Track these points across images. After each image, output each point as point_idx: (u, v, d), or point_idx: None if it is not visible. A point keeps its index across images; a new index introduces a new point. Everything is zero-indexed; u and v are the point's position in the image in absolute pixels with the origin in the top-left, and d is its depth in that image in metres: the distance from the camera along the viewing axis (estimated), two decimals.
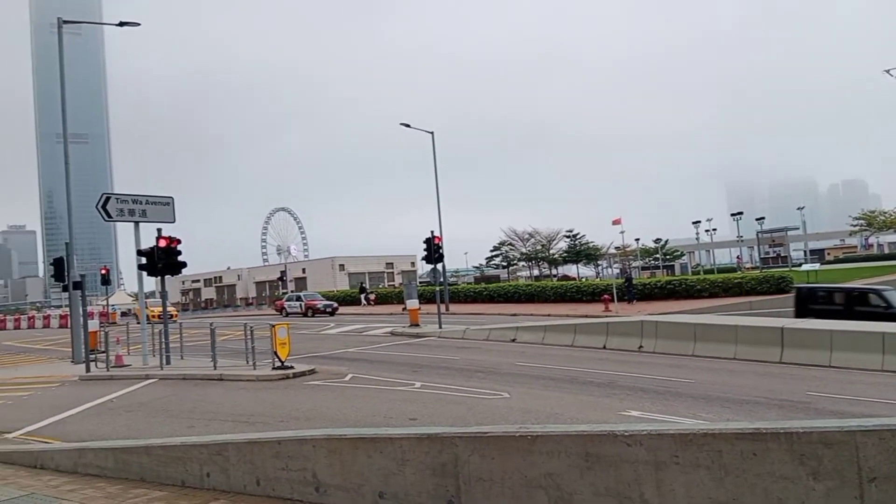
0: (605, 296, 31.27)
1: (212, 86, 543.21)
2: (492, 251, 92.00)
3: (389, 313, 37.17)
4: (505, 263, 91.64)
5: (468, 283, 64.13)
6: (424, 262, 26.41)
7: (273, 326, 15.31)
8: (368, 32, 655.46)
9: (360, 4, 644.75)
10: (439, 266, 26.67)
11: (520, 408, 10.36)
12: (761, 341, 15.23)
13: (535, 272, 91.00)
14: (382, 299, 49.74)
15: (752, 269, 67.94)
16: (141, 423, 11.05)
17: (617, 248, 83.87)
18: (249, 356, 15.80)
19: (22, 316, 58.17)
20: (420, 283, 64.85)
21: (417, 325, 25.01)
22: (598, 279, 69.96)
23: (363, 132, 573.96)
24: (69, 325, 23.63)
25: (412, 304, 26.41)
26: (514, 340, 20.77)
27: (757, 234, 72.64)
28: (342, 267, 79.91)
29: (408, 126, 42.65)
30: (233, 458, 6.26)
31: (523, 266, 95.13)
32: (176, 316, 43.58)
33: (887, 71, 32.43)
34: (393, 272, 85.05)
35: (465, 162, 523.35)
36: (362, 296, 51.21)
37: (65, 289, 21.86)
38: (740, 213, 75.10)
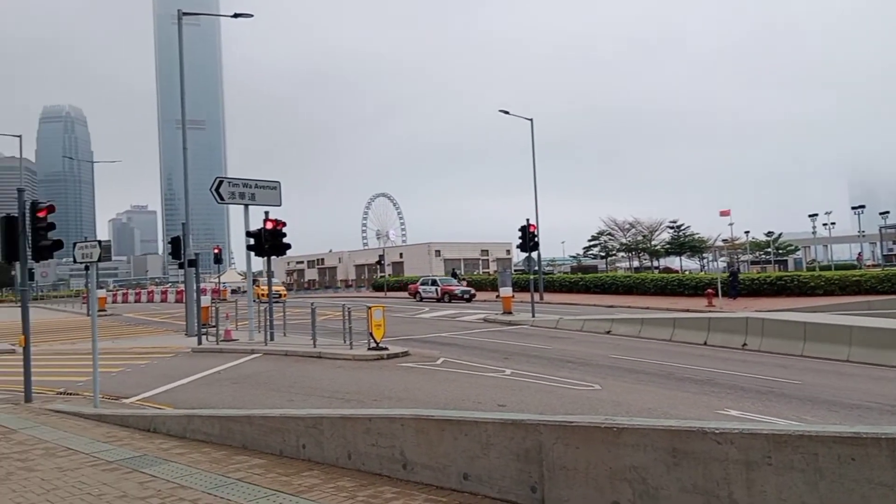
0: (709, 290, 30.06)
1: (320, 74, 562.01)
2: (590, 241, 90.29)
3: (483, 300, 37.33)
4: (603, 254, 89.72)
5: (564, 273, 63.28)
6: (519, 249, 26.29)
7: (369, 308, 15.77)
8: (470, 21, 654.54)
9: None
10: (534, 254, 26.46)
11: (611, 400, 10.19)
12: (879, 343, 14.21)
13: (635, 263, 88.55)
14: (476, 286, 49.95)
15: (874, 266, 63.30)
16: (245, 394, 11.70)
17: (724, 240, 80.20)
18: (347, 336, 16.35)
19: (142, 290, 62.74)
20: (515, 270, 64.63)
21: (510, 313, 25.01)
22: (703, 273, 67.25)
23: (464, 120, 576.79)
24: (184, 300, 25.25)
25: (505, 291, 26.42)
26: (608, 332, 20.40)
27: (880, 230, 67.52)
28: (438, 252, 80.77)
29: (507, 113, 42.40)
30: (327, 432, 6.54)
31: (622, 257, 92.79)
32: (285, 296, 45.15)
33: None
34: (488, 259, 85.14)
35: (564, 149, 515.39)
36: (454, 281, 51.58)
37: (181, 266, 23.35)
38: (862, 207, 69.94)
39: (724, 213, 49.28)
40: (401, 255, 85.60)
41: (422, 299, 39.64)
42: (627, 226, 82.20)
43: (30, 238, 11.36)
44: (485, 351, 16.45)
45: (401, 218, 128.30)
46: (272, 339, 18.07)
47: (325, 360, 15.23)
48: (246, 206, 19.18)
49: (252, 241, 18.88)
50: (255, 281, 33.29)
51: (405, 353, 15.45)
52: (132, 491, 5.80)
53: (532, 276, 27.83)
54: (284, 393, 11.61)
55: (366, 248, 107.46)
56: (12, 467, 6.77)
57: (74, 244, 11.23)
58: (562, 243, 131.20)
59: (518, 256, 76.70)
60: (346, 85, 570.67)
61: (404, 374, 13.00)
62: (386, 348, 15.43)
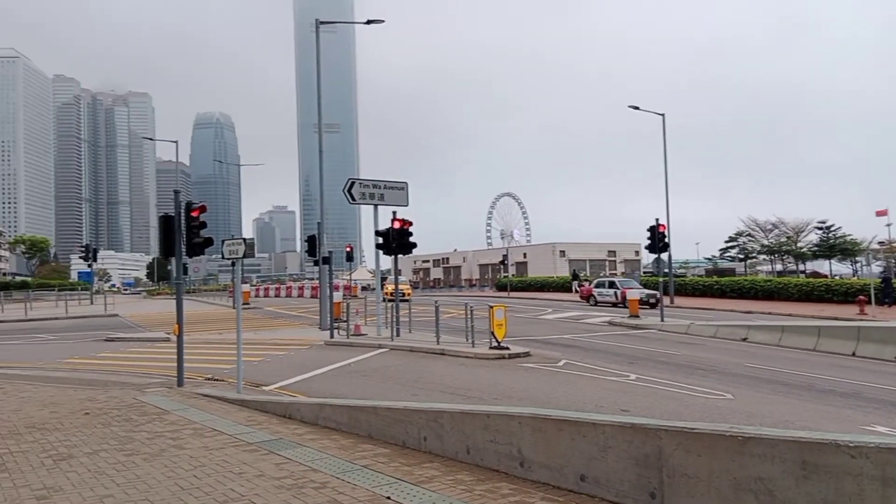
0: (861, 297, 27.66)
1: (448, 76, 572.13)
2: (727, 242, 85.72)
3: (609, 302, 36.43)
4: (742, 256, 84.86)
5: (698, 276, 60.44)
6: (648, 251, 25.47)
7: (491, 308, 15.91)
8: (598, 17, 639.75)
9: None
10: (664, 256, 25.53)
11: (743, 411, 9.69)
12: None
13: (778, 267, 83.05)
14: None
15: None
16: (373, 387, 12.21)
17: (881, 242, 73.37)
18: (469, 334, 16.59)
19: (281, 286, 66.80)
20: (644, 272, 62.55)
21: (637, 317, 24.29)
22: (856, 278, 61.91)
23: (591, 118, 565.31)
24: (318, 296, 26.64)
25: (632, 294, 25.69)
26: (745, 340, 19.33)
27: None
28: (563, 253, 79.76)
29: (637, 108, 41.06)
30: (447, 426, 6.72)
31: (764, 260, 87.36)
32: (409, 294, 46.17)
33: None
34: (615, 260, 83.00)
35: (696, 146, 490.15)
36: (574, 283, 50.80)
37: (316, 263, 24.64)
38: None
39: (881, 213, 45.32)
40: (524, 255, 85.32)
41: (597, 303, 35.38)
42: (770, 226, 77.32)
43: (184, 235, 12.47)
44: (609, 354, 16.12)
45: (525, 218, 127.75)
46: (398, 335, 18.69)
47: (447, 357, 15.55)
48: (375, 206, 19.95)
49: (380, 240, 19.62)
50: (383, 279, 34.56)
51: (526, 354, 15.45)
52: (269, 471, 6.26)
53: (661, 279, 26.86)
54: (409, 387, 11.99)
55: (490, 247, 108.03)
56: (165, 444, 7.49)
57: (223, 241, 12.16)
58: (696, 244, 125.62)
59: (647, 258, 74.19)
60: (474, 85, 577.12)
61: (525, 374, 13.02)
62: (507, 348, 15.51)
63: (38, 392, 11.66)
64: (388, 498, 5.32)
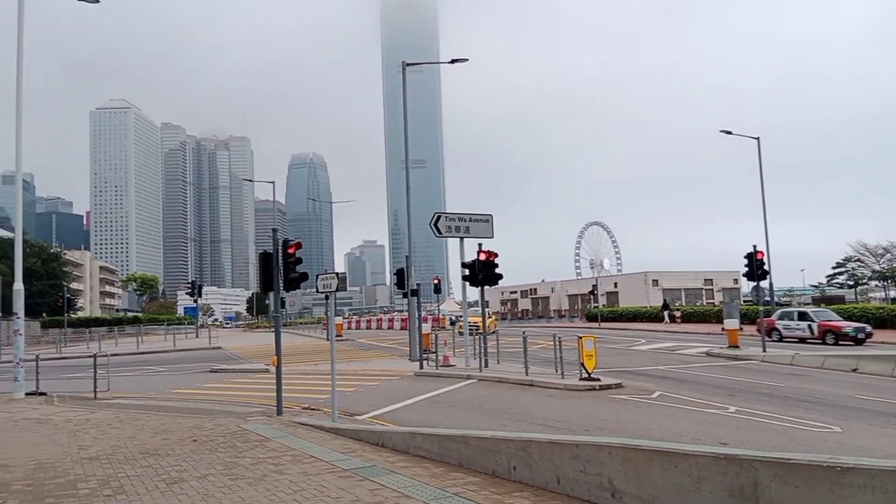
0: None
1: (532, 108, 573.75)
2: (834, 268, 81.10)
3: (706, 332, 35.14)
4: (851, 282, 79.82)
5: (804, 304, 57.27)
6: (746, 278, 24.48)
7: (580, 338, 15.74)
8: (680, 38, 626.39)
9: (671, 10, 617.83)
10: (763, 283, 24.45)
11: (853, 444, 9.16)
12: None
13: (892, 293, 77.48)
14: (699, 317, 47.17)
15: None
16: (462, 417, 12.32)
17: None
18: (558, 365, 16.45)
19: (372, 318, 68.26)
20: (744, 301, 59.88)
21: (737, 347, 23.31)
22: None
23: (679, 143, 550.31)
24: (407, 328, 27.10)
25: (731, 323, 24.71)
26: (855, 370, 18.19)
27: None
28: (655, 282, 77.51)
29: (729, 133, 39.74)
30: (535, 456, 6.75)
31: (876, 286, 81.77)
32: (493, 325, 45.93)
33: None
34: (712, 289, 79.86)
35: (795, 169, 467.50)
36: (665, 312, 49.26)
37: (404, 295, 25.14)
38: None
39: None
40: (615, 284, 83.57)
41: (782, 338, 28.96)
42: (881, 251, 72.55)
43: (282, 271, 13.12)
44: (706, 386, 15.56)
45: (615, 247, 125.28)
46: (486, 365, 18.75)
47: (536, 389, 15.46)
48: (461, 238, 20.26)
49: (467, 272, 19.85)
50: (470, 306, 34.77)
51: (618, 385, 15.15)
52: (364, 497, 6.47)
53: (761, 308, 25.70)
54: (498, 418, 12.02)
55: (579, 277, 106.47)
56: (266, 470, 7.87)
57: (317, 276, 12.73)
58: (801, 271, 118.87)
59: (747, 286, 71.05)
60: (556, 116, 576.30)
61: (617, 406, 12.78)
62: (598, 379, 15.26)
63: (151, 420, 12.46)
64: None
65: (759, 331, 30.49)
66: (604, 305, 68.39)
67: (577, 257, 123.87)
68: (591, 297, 63.34)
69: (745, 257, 23.60)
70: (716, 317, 42.73)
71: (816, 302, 64.23)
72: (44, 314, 71.87)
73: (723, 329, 28.95)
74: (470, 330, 25.97)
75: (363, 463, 8.10)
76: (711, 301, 73.47)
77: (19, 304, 17.83)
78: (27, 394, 17.13)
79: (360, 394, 16.07)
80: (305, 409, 13.97)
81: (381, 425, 11.50)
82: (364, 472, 7.53)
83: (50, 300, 71.24)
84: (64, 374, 23.46)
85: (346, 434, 10.32)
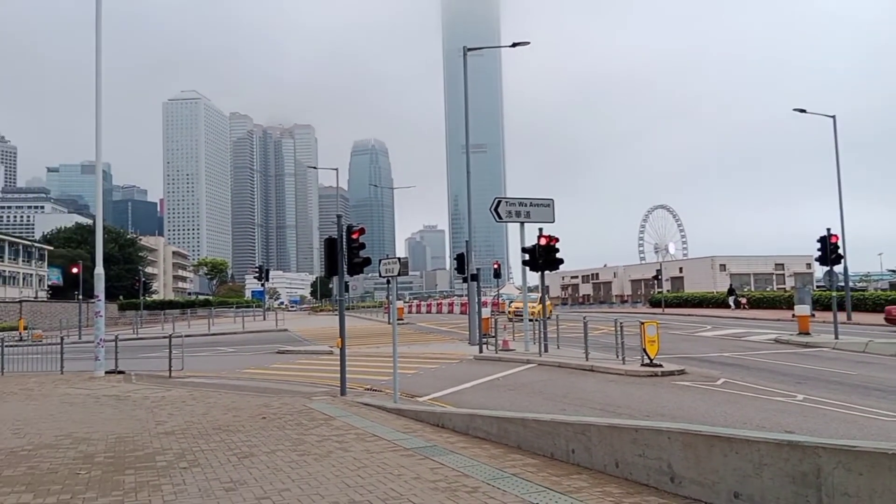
0: None
1: (594, 91, 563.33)
2: None
3: (775, 318, 34.03)
4: None
5: (881, 290, 54.62)
6: (818, 263, 23.58)
7: (642, 324, 15.54)
8: (748, 17, 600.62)
9: None
10: (837, 268, 23.51)
11: None
12: None
13: None
14: (768, 303, 45.66)
15: None
16: (521, 400, 12.40)
17: None
18: (619, 351, 16.30)
19: (432, 302, 68.84)
20: (817, 287, 57.61)
21: (808, 334, 22.51)
22: None
23: (750, 124, 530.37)
24: (467, 312, 27.27)
25: (802, 310, 23.86)
26: None
27: None
28: (723, 267, 75.21)
29: (803, 111, 38.22)
30: (594, 439, 6.78)
31: None
32: (550, 310, 45.38)
33: None
34: (783, 274, 77.00)
35: (873, 147, 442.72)
36: (730, 298, 47.85)
37: (464, 280, 25.29)
38: None
39: None
40: (680, 269, 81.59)
41: None
42: None
43: (346, 256, 13.44)
44: (774, 374, 15.15)
45: (681, 230, 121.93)
46: (546, 350, 18.73)
47: (596, 374, 15.38)
48: (521, 223, 20.21)
49: (527, 257, 19.82)
50: (531, 291, 34.69)
51: (681, 371, 14.91)
52: (424, 474, 6.66)
53: (834, 293, 24.73)
54: (557, 402, 12.04)
55: (643, 262, 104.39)
56: (332, 447, 8.16)
57: (379, 261, 12.99)
58: (879, 255, 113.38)
59: (821, 271, 68.27)
60: (620, 98, 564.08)
61: (679, 393, 12.61)
62: (660, 365, 15.05)
63: (222, 398, 13.03)
64: None
65: (886, 320, 29.09)
66: (668, 291, 66.95)
67: (641, 241, 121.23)
68: (655, 282, 62.08)
69: (818, 241, 22.72)
70: (787, 303, 41.26)
71: (894, 287, 61.16)
72: (121, 297, 75.42)
73: (793, 315, 28.00)
74: (515, 316, 25.72)
75: (424, 443, 8.29)
76: (782, 287, 70.89)
77: (100, 288, 18.82)
78: (107, 372, 18.12)
79: (421, 376, 16.34)
80: (368, 389, 14.32)
81: (441, 407, 11.70)
82: (425, 452, 7.72)
83: (127, 284, 74.65)
84: (140, 354, 24.68)
85: (407, 415, 10.56)
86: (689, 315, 42.44)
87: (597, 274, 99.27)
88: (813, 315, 30.82)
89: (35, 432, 9.60)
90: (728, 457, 5.23)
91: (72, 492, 6.28)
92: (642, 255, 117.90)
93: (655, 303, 55.72)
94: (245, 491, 6.18)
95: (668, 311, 48.10)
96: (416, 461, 7.27)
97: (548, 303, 44.34)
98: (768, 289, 67.09)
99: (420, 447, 8.02)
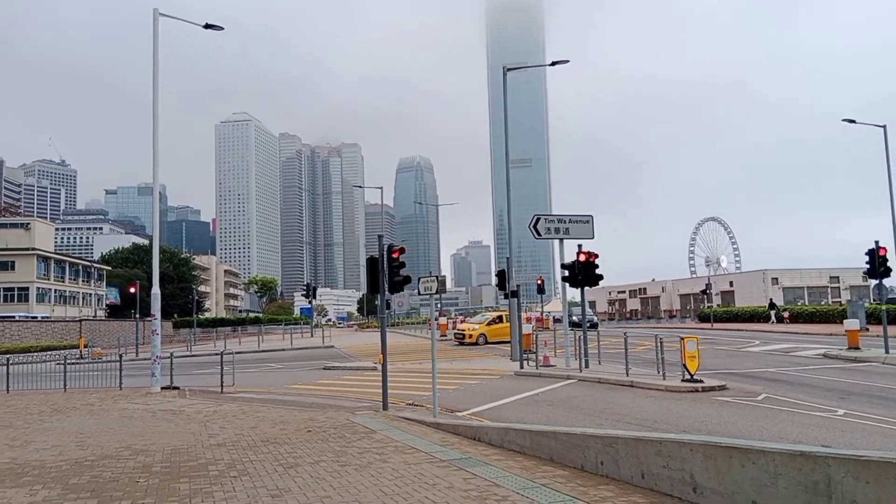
0: None
1: (639, 106, 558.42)
2: None
3: (828, 333, 33.23)
4: None
5: None
6: (867, 276, 23.08)
7: (682, 339, 15.57)
8: (798, 26, 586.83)
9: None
10: (887, 281, 22.98)
11: None
12: None
13: None
14: (821, 317, 44.49)
15: None
16: (558, 415, 12.60)
17: None
18: (659, 366, 16.32)
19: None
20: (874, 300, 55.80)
21: (857, 349, 22.04)
22: None
23: (799, 134, 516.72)
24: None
25: (852, 323, 23.38)
26: None
27: None
28: (775, 280, 73.51)
29: (853, 122, 37.37)
30: (621, 451, 7.01)
31: None
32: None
33: None
34: (838, 287, 74.80)
35: None
36: (772, 312, 46.93)
37: (506, 296, 25.56)
38: None
39: None
40: (731, 283, 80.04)
41: None
42: None
43: (387, 274, 13.91)
44: (817, 389, 14.97)
45: (733, 243, 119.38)
46: (587, 366, 18.83)
47: (636, 389, 15.45)
48: (560, 240, 20.42)
49: (566, 273, 20.00)
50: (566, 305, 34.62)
51: (722, 387, 14.87)
52: (458, 484, 6.99)
53: (884, 307, 24.11)
54: (595, 417, 12.21)
55: (693, 276, 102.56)
56: (372, 458, 8.56)
57: (419, 279, 13.42)
58: None
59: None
60: (668, 113, 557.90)
61: (718, 408, 12.62)
62: (700, 380, 15.04)
63: (270, 412, 13.60)
64: None
65: None
66: (718, 305, 65.70)
67: (692, 255, 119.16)
68: (704, 296, 61.08)
69: (867, 254, 22.28)
70: (840, 317, 40.16)
71: None
72: (175, 315, 77.87)
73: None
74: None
75: (459, 455, 8.62)
76: (838, 300, 68.86)
77: (156, 307, 19.75)
78: (162, 388, 18.97)
79: (461, 391, 16.65)
80: (409, 404, 14.71)
81: (478, 421, 12.00)
82: (460, 463, 8.06)
83: (181, 302, 77.11)
84: (194, 371, 25.63)
85: (445, 428, 10.90)
86: (738, 330, 41.71)
87: (644, 288, 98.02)
88: (867, 329, 30.07)
89: (97, 444, 10.26)
90: (746, 467, 5.43)
91: (132, 498, 6.81)
92: (693, 269, 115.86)
93: (704, 318, 54.81)
94: (289, 498, 6.61)
95: (717, 326, 47.30)
96: (451, 472, 7.61)
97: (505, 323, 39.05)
98: (822, 302, 65.27)
99: (455, 459, 8.35)
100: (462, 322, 40.77)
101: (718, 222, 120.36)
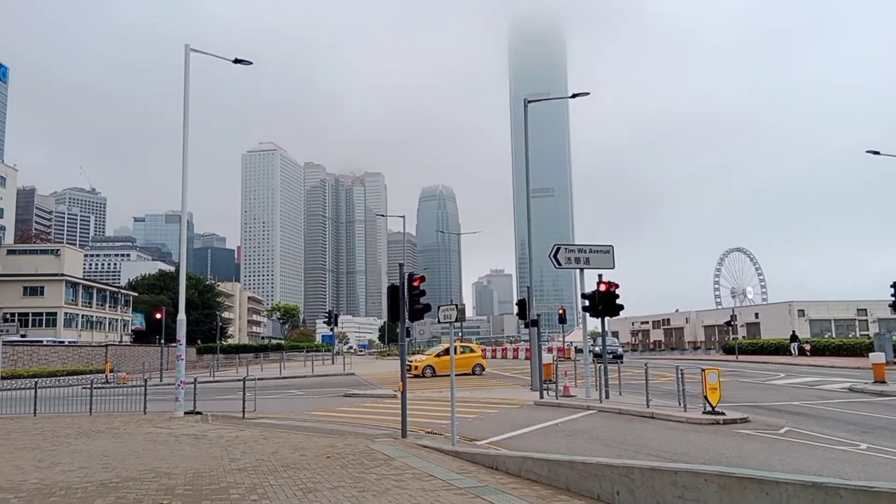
0: None
1: (661, 137, 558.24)
2: None
3: (855, 366, 32.60)
4: None
5: None
6: (892, 309, 22.79)
7: (703, 371, 15.48)
8: (818, 57, 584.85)
9: (806, 27, 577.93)
10: None
11: None
12: None
13: None
14: (848, 350, 43.70)
15: None
16: (577, 445, 12.57)
17: None
18: (681, 398, 16.21)
19: (497, 347, 68.78)
20: None
21: (883, 382, 21.65)
22: None
23: (822, 163, 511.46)
24: (530, 357, 27.42)
25: (877, 357, 23.00)
26: None
27: None
28: (801, 312, 72.41)
29: (877, 153, 37.21)
30: (637, 482, 7.05)
31: None
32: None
33: None
34: (866, 319, 73.42)
35: None
36: (794, 345, 46.28)
37: (526, 325, 25.56)
38: None
39: None
40: (756, 315, 79.03)
41: None
42: None
43: (407, 303, 14.10)
44: (840, 423, 14.76)
45: (759, 274, 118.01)
46: (607, 397, 18.73)
47: (657, 421, 15.34)
48: (581, 269, 20.48)
49: (587, 303, 20.02)
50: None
51: (744, 420, 14.72)
52: None
53: None
54: (614, 448, 12.17)
55: (718, 307, 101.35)
56: (389, 485, 8.66)
57: (439, 307, 13.59)
58: None
59: None
60: (688, 144, 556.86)
61: (739, 441, 12.51)
62: (722, 413, 14.90)
63: (291, 438, 13.75)
64: None
65: None
66: (743, 337, 64.83)
67: (717, 286, 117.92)
68: (729, 328, 60.32)
69: (892, 286, 22.03)
70: (867, 349, 39.43)
71: None
72: (199, 341, 78.61)
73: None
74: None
75: (477, 483, 8.68)
76: (865, 332, 67.55)
77: (182, 333, 20.10)
78: (186, 413, 19.22)
79: (481, 420, 16.66)
80: (428, 433, 14.76)
81: (496, 450, 12.02)
82: (476, 491, 8.12)
83: (205, 328, 77.93)
84: (216, 396, 25.89)
85: (463, 457, 10.96)
86: (764, 362, 41.10)
87: (668, 319, 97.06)
88: (894, 362, 29.50)
89: (122, 467, 10.48)
90: (759, 498, 5.46)
91: None
92: (718, 300, 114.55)
93: (729, 350, 54.09)
94: None
95: (742, 358, 46.65)
96: (468, 499, 7.68)
97: (477, 352, 37.68)
98: (850, 335, 64.08)
99: (472, 487, 8.42)
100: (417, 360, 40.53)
101: (744, 253, 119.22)
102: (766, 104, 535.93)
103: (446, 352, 35.36)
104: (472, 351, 35.59)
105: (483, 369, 35.20)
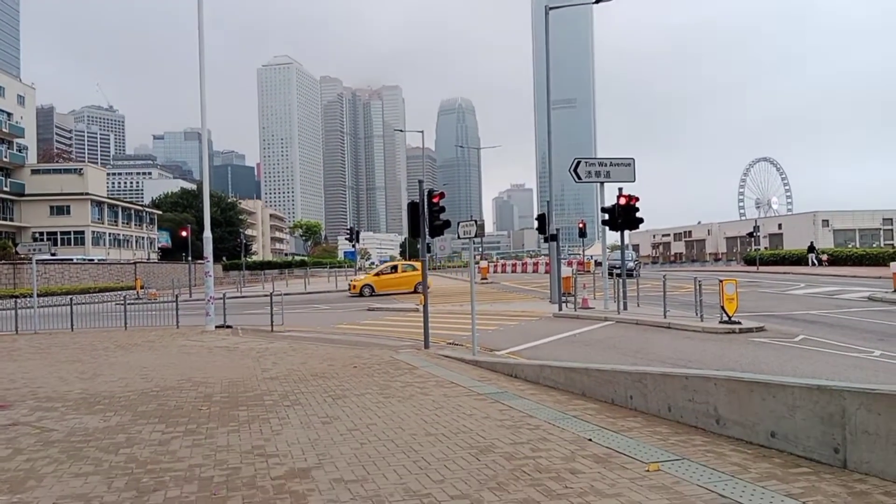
0: None
1: (690, 43, 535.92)
2: None
3: (877, 276, 32.59)
4: None
5: None
6: None
7: (721, 282, 15.64)
8: None
9: None
10: None
11: None
12: None
13: None
14: (871, 260, 43.52)
15: None
16: (594, 355, 12.97)
17: None
18: (698, 308, 16.47)
19: (517, 262, 69.40)
20: None
21: None
22: None
23: (852, 76, 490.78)
24: (549, 271, 27.76)
25: None
26: None
27: None
28: (826, 223, 71.55)
29: None
30: (649, 386, 7.36)
31: None
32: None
33: None
34: (892, 229, 72.49)
35: None
36: (811, 255, 46.20)
37: (546, 240, 25.76)
38: None
39: None
40: (779, 226, 78.27)
41: None
42: None
43: (427, 219, 14.27)
44: (856, 331, 14.96)
45: (786, 184, 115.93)
46: (625, 308, 19.08)
47: (673, 331, 15.68)
48: (601, 183, 20.39)
49: (606, 217, 20.05)
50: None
51: (760, 329, 14.99)
52: (493, 414, 7.46)
53: None
54: (630, 357, 12.54)
55: (742, 218, 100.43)
56: (414, 391, 9.09)
57: (458, 223, 13.74)
58: None
59: None
60: (719, 51, 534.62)
61: (754, 349, 12.80)
62: (738, 322, 15.17)
63: (318, 350, 14.31)
64: (590, 440, 6.18)
65: None
66: (766, 248, 64.55)
67: (742, 196, 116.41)
68: (751, 239, 60.00)
69: None
70: (890, 259, 39.25)
71: None
72: (224, 258, 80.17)
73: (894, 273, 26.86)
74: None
75: (496, 389, 9.09)
76: (890, 242, 66.90)
77: (209, 250, 20.59)
78: (217, 326, 19.96)
79: (500, 332, 17.14)
80: (450, 343, 15.27)
81: (515, 359, 12.46)
82: (496, 397, 8.52)
83: (229, 245, 79.26)
84: (245, 311, 26.74)
85: (483, 366, 11.40)
86: (784, 273, 41.15)
87: (689, 231, 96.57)
88: None
89: (160, 377, 11.07)
90: (766, 400, 5.72)
91: (196, 422, 7.47)
92: (742, 211, 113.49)
93: (750, 261, 54.09)
94: (338, 424, 7.18)
95: (763, 269, 46.71)
96: (488, 404, 8.08)
97: (419, 270, 36.68)
98: (874, 245, 63.51)
99: (492, 393, 8.82)
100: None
101: (771, 162, 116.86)
102: (802, 12, 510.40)
103: (393, 269, 36.46)
104: (413, 269, 35.72)
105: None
